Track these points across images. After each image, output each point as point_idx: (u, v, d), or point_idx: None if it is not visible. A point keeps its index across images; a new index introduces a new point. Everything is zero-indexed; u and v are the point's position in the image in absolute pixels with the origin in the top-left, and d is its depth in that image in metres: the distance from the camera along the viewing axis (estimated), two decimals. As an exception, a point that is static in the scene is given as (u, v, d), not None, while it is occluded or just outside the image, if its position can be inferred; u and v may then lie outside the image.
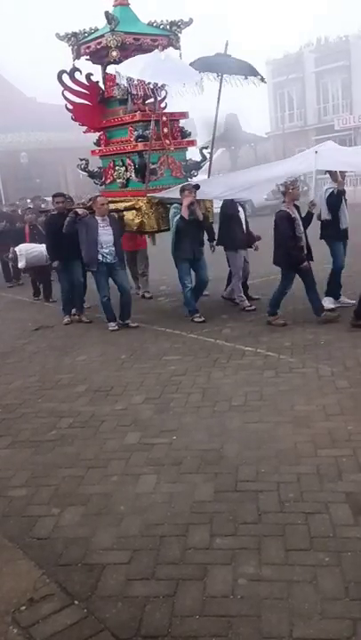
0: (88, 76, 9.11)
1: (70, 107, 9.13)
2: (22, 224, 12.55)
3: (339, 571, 2.99)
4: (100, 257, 8.10)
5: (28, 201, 18.86)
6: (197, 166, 9.41)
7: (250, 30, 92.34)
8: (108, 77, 9.23)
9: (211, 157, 9.54)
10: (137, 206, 8.53)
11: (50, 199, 15.37)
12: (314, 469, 3.99)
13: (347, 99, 36.70)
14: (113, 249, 8.18)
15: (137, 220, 8.53)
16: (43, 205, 14.56)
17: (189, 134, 9.39)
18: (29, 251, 10.70)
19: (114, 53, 8.52)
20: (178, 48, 9.05)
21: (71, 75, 8.97)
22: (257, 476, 3.98)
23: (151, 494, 3.88)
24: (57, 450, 4.69)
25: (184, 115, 9.26)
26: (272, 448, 4.35)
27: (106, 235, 8.12)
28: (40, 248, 10.51)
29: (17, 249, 10.90)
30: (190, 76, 7.91)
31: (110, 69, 9.09)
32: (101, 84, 9.29)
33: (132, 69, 7.74)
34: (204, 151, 9.52)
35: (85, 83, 9.11)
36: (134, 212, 8.53)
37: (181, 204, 7.95)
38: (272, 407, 5.12)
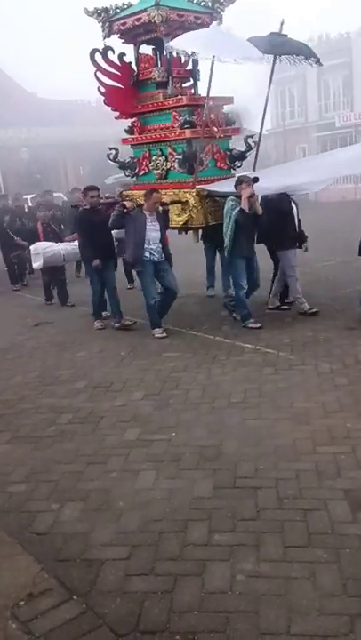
0: (121, 56, 8.39)
1: (102, 89, 8.39)
2: (29, 221, 12.07)
3: (337, 567, 3.00)
4: (146, 254, 7.42)
5: (29, 197, 18.69)
6: (242, 157, 8.55)
7: (250, 27, 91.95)
8: (142, 58, 8.47)
9: (258, 147, 8.63)
10: (183, 200, 7.73)
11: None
12: (313, 466, 4.00)
13: (348, 96, 36.60)
14: (160, 246, 7.57)
15: (183, 216, 7.78)
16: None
17: (234, 122, 8.55)
18: (46, 249, 9.82)
19: (162, 29, 7.67)
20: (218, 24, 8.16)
21: (104, 54, 8.26)
22: (256, 472, 3.99)
23: (150, 490, 3.89)
24: (56, 445, 4.70)
25: (230, 100, 8.39)
26: (271, 445, 4.36)
27: (154, 230, 7.45)
28: (57, 247, 9.89)
29: (32, 247, 10.07)
30: (254, 54, 7.31)
31: (143, 49, 8.45)
32: (134, 66, 8.51)
33: (193, 44, 7.09)
34: (250, 140, 8.58)
35: (117, 63, 8.38)
36: (179, 206, 7.77)
37: (237, 197, 7.28)
38: (271, 404, 5.12)
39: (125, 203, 7.59)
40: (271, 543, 3.23)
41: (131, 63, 8.48)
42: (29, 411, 5.48)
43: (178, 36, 7.65)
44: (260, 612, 2.74)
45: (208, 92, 7.49)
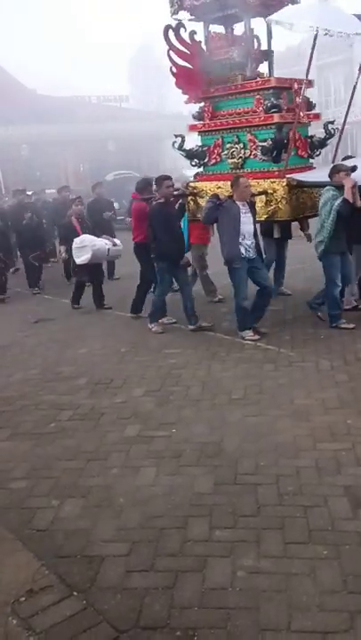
0: (192, 35, 7.77)
1: (175, 70, 7.78)
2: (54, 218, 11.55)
3: (337, 564, 3.00)
4: (241, 251, 6.74)
5: (29, 193, 18.46)
6: (323, 144, 7.98)
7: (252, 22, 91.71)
8: (213, 37, 7.88)
9: (341, 134, 8.01)
10: (270, 190, 7.08)
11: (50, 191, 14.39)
12: (313, 463, 4.00)
13: (348, 93, 36.61)
14: (254, 242, 6.89)
15: (268, 208, 7.09)
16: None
17: (315, 106, 7.98)
18: (94, 243, 8.98)
19: (251, 1, 7.04)
20: (296, 2, 7.65)
21: (176, 31, 7.66)
22: (256, 469, 3.99)
23: (151, 487, 3.89)
24: (57, 442, 4.70)
25: (311, 83, 7.73)
26: (271, 441, 4.36)
27: (248, 223, 6.76)
28: (102, 242, 9.14)
29: (77, 240, 9.04)
30: (358, 27, 6.76)
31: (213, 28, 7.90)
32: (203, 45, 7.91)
33: (300, 17, 6.63)
34: (330, 127, 7.90)
35: (188, 42, 7.75)
36: (262, 197, 7.09)
37: (336, 187, 6.65)
38: (271, 400, 5.12)
39: (217, 193, 7.05)
40: (272, 539, 3.23)
41: (201, 43, 7.88)
42: (30, 407, 5.48)
43: (258, 13, 7.27)
44: (261, 609, 2.75)
45: (308, 72, 6.99)
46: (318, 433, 4.44)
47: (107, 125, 37.35)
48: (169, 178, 7.54)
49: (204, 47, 7.88)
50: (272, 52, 7.92)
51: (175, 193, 7.70)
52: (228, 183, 7.08)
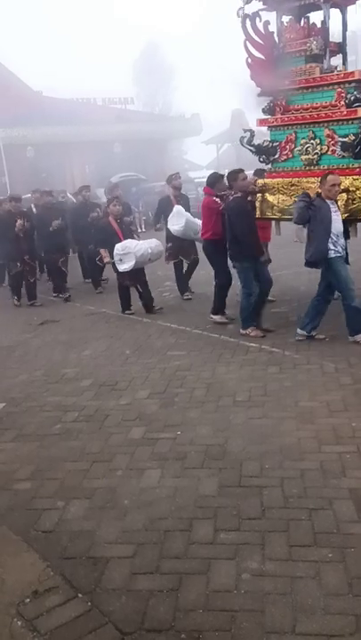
0: (266, 25, 7.48)
1: (250, 61, 7.51)
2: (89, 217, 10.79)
3: (342, 567, 2.99)
4: (338, 250, 6.44)
5: (28, 195, 18.22)
6: None
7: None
8: (286, 28, 7.55)
9: None
10: (352, 188, 6.70)
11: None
12: (318, 465, 4.00)
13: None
14: (344, 241, 6.63)
15: (351, 206, 6.71)
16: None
17: None
18: (137, 248, 8.57)
19: None
20: None
21: (253, 21, 7.39)
22: (261, 471, 3.99)
23: (155, 489, 3.90)
24: (62, 444, 4.70)
25: None
26: (276, 444, 4.36)
27: (338, 222, 6.46)
28: (144, 245, 8.69)
29: (119, 247, 8.58)
30: None
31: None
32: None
33: None
34: None
35: (262, 33, 7.48)
36: (343, 195, 6.71)
37: None
38: (276, 403, 5.12)
39: (308, 192, 6.71)
40: (276, 542, 3.23)
41: (273, 33, 7.58)
42: (35, 409, 5.49)
43: (336, 4, 7.09)
44: (266, 611, 2.74)
45: None
46: (323, 435, 4.43)
47: (112, 127, 37.37)
48: (242, 171, 7.33)
49: (276, 38, 7.60)
50: (346, 44, 7.68)
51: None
52: (302, 180, 7.01)
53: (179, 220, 9.19)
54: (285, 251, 10.77)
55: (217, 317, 7.93)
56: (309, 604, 2.76)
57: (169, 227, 9.40)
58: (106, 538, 3.41)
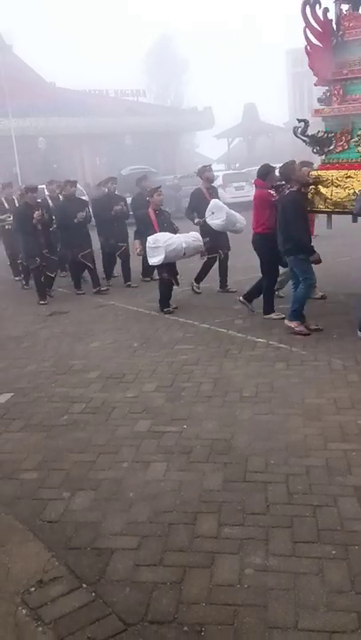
0: (326, 12, 7.34)
1: (309, 49, 7.37)
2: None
3: (345, 564, 3.00)
4: None
5: (43, 186, 17.84)
6: None
7: (270, 20, 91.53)
8: (345, 16, 7.36)
9: None
10: None
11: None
12: (323, 462, 4.00)
13: None
14: None
15: None
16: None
17: None
18: (168, 242, 8.18)
19: None
20: None
21: (313, 8, 7.25)
22: (266, 467, 4.00)
23: (160, 482, 3.91)
24: (69, 435, 4.73)
25: None
26: (282, 440, 4.36)
27: None
28: (178, 239, 8.30)
29: (150, 240, 8.22)
30: None
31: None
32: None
33: None
34: None
35: (321, 20, 7.34)
36: None
37: None
38: (283, 399, 5.12)
39: None
40: (280, 538, 3.24)
41: (332, 21, 7.45)
42: (42, 399, 5.52)
43: None
44: (269, 606, 2.76)
45: None
46: (329, 432, 4.43)
47: (124, 119, 37.32)
48: (294, 162, 7.13)
49: (334, 26, 7.45)
50: None
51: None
52: (358, 172, 6.78)
53: (219, 213, 8.88)
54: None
55: (273, 315, 7.66)
56: (312, 601, 2.77)
57: (208, 221, 9.02)
58: (111, 529, 3.43)
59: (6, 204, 12.48)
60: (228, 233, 9.35)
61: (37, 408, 5.32)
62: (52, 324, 8.48)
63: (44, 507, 3.70)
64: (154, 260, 8.28)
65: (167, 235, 8.34)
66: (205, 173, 9.76)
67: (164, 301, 8.55)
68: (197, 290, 9.60)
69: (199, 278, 9.63)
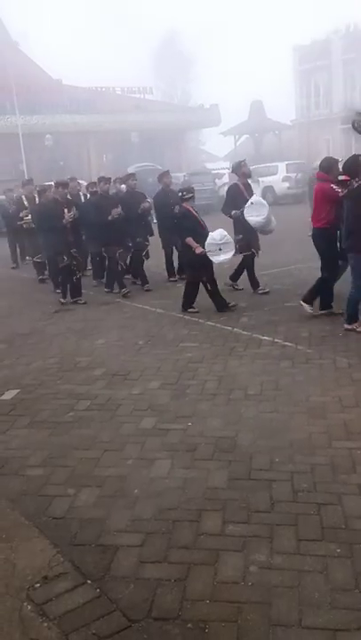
0: None
1: None
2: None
3: (350, 562, 3.00)
4: None
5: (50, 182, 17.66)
6: None
7: (277, 16, 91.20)
8: None
9: None
10: None
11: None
12: (328, 460, 4.00)
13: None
14: None
15: None
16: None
17: None
18: (230, 238, 7.94)
19: None
20: None
21: None
22: (271, 465, 4.00)
23: (165, 479, 3.92)
24: (74, 431, 4.75)
25: None
26: (287, 438, 4.36)
27: None
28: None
29: (219, 235, 7.84)
30: None
31: None
32: None
33: None
34: None
35: None
36: None
37: None
38: (288, 397, 5.12)
39: None
40: (285, 536, 3.24)
41: None
42: (48, 396, 5.54)
43: None
44: (273, 604, 2.76)
45: None
46: (334, 431, 4.43)
47: (130, 117, 37.33)
48: (359, 156, 6.81)
49: None
50: None
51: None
52: None
53: (260, 210, 8.58)
54: (300, 245, 10.74)
55: (326, 311, 7.48)
56: (316, 599, 2.78)
57: (247, 217, 8.65)
58: (115, 526, 3.44)
59: (26, 202, 12.26)
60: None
61: (43, 405, 5.34)
62: (57, 320, 8.51)
63: (49, 503, 3.72)
64: (223, 257, 7.85)
65: (224, 231, 8.07)
66: (241, 169, 9.45)
67: (191, 301, 8.27)
68: (238, 287, 9.33)
69: (236, 276, 9.39)
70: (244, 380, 5.60)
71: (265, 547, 3.16)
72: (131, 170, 24.02)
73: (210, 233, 8.01)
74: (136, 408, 5.12)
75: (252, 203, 8.70)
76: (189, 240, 8.05)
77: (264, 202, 8.93)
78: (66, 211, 9.23)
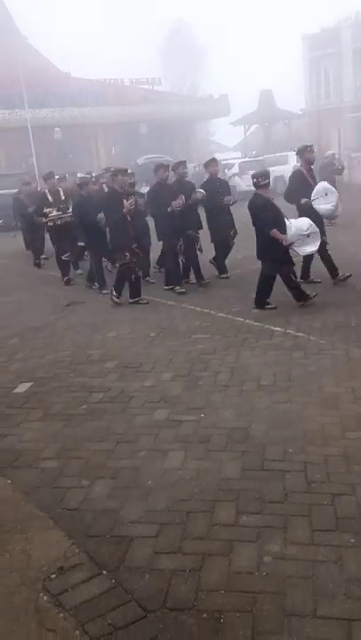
0: None
1: None
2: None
3: (364, 552, 3.00)
4: None
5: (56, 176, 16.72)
6: None
7: (286, 4, 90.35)
8: None
9: None
10: None
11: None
12: (341, 451, 3.99)
13: None
14: None
15: None
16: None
17: None
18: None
19: None
20: None
21: None
22: (284, 455, 4.00)
23: (179, 470, 3.93)
24: (87, 424, 4.77)
25: None
26: (300, 429, 4.36)
27: None
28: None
29: (307, 223, 7.50)
30: None
31: None
32: None
33: None
34: None
35: None
36: None
37: None
38: (300, 388, 5.11)
39: None
40: (299, 526, 3.24)
41: None
42: (61, 389, 5.56)
43: None
44: (287, 594, 2.77)
45: None
46: (347, 421, 4.42)
47: (139, 108, 37.20)
48: None
49: None
50: None
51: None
52: None
53: (331, 197, 8.21)
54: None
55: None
56: (331, 589, 2.78)
57: (315, 205, 8.24)
58: (129, 517, 3.46)
59: (50, 197, 10.96)
60: None
61: (56, 397, 5.37)
62: (69, 314, 8.53)
63: (63, 495, 3.74)
64: (310, 248, 7.44)
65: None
66: (305, 154, 8.87)
67: (266, 297, 7.76)
68: (317, 279, 8.73)
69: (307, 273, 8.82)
70: (257, 371, 5.59)
71: (279, 537, 3.17)
72: (140, 161, 23.95)
73: (295, 223, 7.46)
74: (149, 400, 5.14)
75: (326, 194, 8.19)
76: (275, 232, 7.35)
77: (333, 188, 8.49)
78: (127, 201, 8.43)
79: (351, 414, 4.52)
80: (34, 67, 33.52)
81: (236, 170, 24.70)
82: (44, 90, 33.76)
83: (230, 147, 48.80)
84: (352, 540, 3.10)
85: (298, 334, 6.54)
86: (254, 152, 34.83)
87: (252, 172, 8.08)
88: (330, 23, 38.98)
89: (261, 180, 7.52)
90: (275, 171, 26.24)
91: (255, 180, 7.63)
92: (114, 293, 8.82)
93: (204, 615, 2.70)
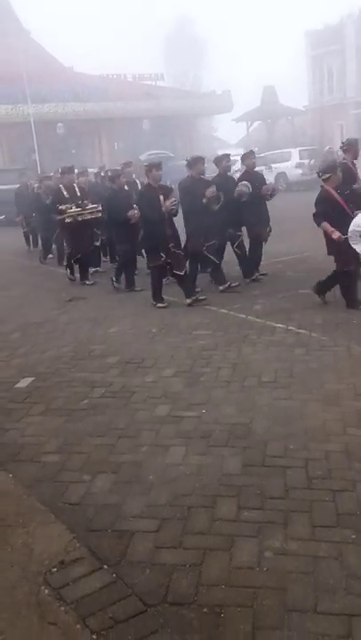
0: None
1: None
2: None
3: (365, 548, 3.01)
4: None
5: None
6: None
7: (289, 1, 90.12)
8: None
9: None
10: None
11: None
12: (343, 447, 3.99)
13: None
14: None
15: None
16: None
17: None
18: None
19: None
20: None
21: None
22: (285, 451, 4.00)
23: (180, 465, 3.94)
24: (89, 419, 4.77)
25: None
26: (301, 425, 4.36)
27: None
28: None
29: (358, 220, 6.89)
30: None
31: None
32: None
33: None
34: None
35: None
36: None
37: None
38: (302, 384, 5.11)
39: None
40: (299, 522, 3.25)
41: None
42: (63, 384, 5.57)
43: None
44: (288, 589, 2.77)
45: None
46: (349, 418, 4.42)
47: (142, 104, 37.15)
48: None
49: None
50: None
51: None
52: None
53: None
54: (314, 232, 10.64)
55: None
56: (331, 584, 2.79)
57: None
58: (131, 512, 3.47)
59: (65, 192, 10.24)
60: None
61: (58, 392, 5.38)
62: (71, 309, 8.54)
63: (65, 489, 3.75)
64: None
65: None
66: (353, 147, 8.67)
67: (328, 289, 7.50)
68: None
69: None
70: (258, 367, 5.59)
71: (280, 533, 3.17)
72: (143, 157, 23.91)
73: (356, 218, 6.97)
74: (150, 395, 5.14)
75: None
76: (325, 225, 7.10)
77: None
78: (162, 198, 7.87)
79: (353, 411, 4.53)
80: (36, 62, 33.49)
81: (239, 166, 24.66)
82: (46, 85, 33.69)
83: (233, 143, 48.69)
84: (353, 536, 3.10)
85: (300, 331, 6.54)
86: (257, 148, 34.76)
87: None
88: (333, 19, 38.92)
89: (322, 174, 7.40)
90: (277, 167, 26.27)
91: (318, 175, 7.54)
92: (155, 302, 8.23)
93: (205, 610, 2.70)
